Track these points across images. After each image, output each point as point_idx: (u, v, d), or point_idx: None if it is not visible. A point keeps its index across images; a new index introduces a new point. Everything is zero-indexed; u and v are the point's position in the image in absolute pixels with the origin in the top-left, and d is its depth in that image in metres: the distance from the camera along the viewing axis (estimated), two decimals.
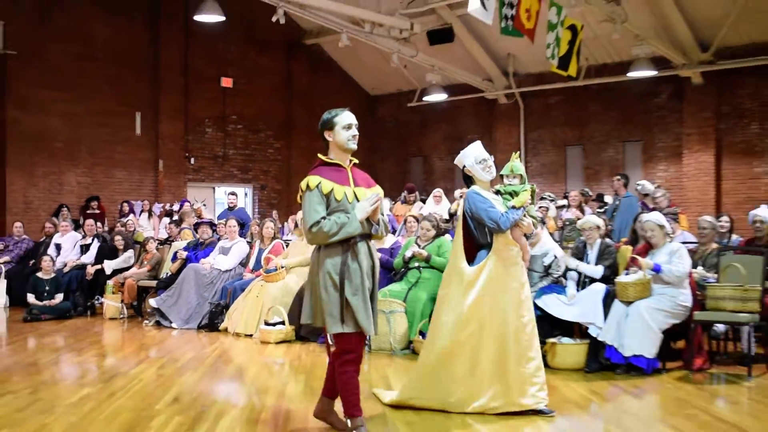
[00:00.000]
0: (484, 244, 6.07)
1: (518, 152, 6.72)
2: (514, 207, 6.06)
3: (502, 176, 6.43)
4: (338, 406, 5.44)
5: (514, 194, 6.20)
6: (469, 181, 6.31)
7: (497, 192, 6.30)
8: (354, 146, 5.34)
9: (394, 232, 10.78)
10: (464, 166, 6.26)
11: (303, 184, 5.23)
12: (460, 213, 6.29)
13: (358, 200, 5.23)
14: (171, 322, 11.13)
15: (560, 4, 13.02)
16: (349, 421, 5.24)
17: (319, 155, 5.42)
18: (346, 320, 5.08)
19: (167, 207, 17.04)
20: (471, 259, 6.07)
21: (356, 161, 5.51)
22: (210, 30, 18.47)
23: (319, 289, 5.14)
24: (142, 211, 16.89)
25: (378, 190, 5.41)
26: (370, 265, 5.26)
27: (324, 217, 5.11)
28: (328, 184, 5.18)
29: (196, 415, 5.96)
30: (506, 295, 5.97)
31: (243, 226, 13.55)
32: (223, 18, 14.99)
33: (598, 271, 8.36)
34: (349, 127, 5.30)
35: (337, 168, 5.33)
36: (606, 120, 19.12)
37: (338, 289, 5.08)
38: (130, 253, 13.31)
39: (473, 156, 6.23)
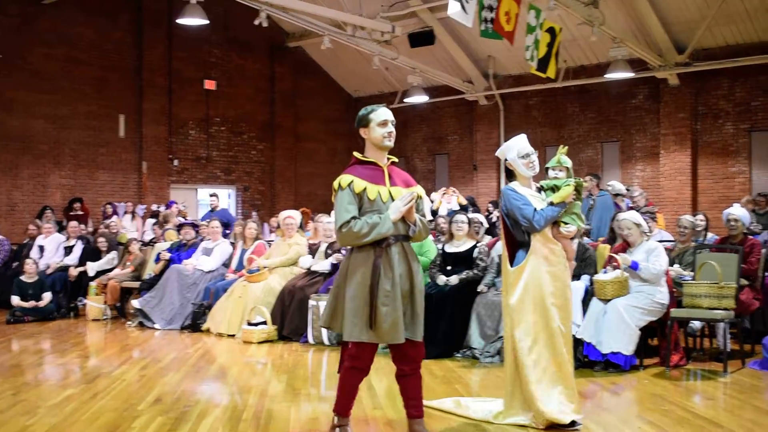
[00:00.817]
0: (523, 243, 5.73)
1: (566, 146, 6.23)
2: (552, 203, 5.72)
3: (547, 169, 6.07)
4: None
5: (555, 189, 5.85)
6: (510, 175, 5.96)
7: (540, 189, 5.94)
8: (390, 144, 5.07)
9: None
10: (506, 159, 5.89)
11: (335, 184, 5.01)
12: (497, 213, 6.11)
13: (394, 200, 4.98)
14: (154, 323, 11.17)
15: (539, 7, 13.15)
16: (335, 417, 5.16)
17: (354, 153, 5.20)
18: (368, 329, 4.85)
19: (154, 208, 17.07)
20: (512, 259, 5.75)
21: (395, 159, 5.25)
22: (193, 33, 18.54)
23: (343, 292, 4.94)
24: (125, 213, 16.88)
25: (418, 189, 5.17)
26: (406, 269, 5.00)
27: (355, 217, 4.88)
28: (360, 183, 4.95)
29: (178, 415, 6.01)
30: (551, 297, 5.64)
31: (227, 227, 13.61)
32: (206, 21, 15.04)
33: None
34: (384, 123, 5.05)
35: (372, 167, 5.10)
36: (584, 121, 19.29)
37: (367, 296, 4.84)
38: (113, 254, 13.32)
39: (516, 149, 5.82)
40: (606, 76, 16.96)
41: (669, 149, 17.73)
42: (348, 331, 4.89)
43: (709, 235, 10.66)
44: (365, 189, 4.94)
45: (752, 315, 8.72)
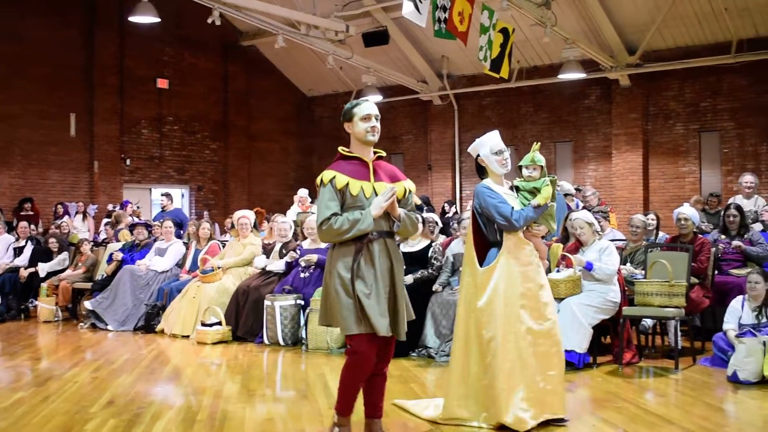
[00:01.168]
0: (495, 242, 5.63)
1: (539, 142, 6.08)
2: (538, 206, 5.63)
3: (520, 167, 5.93)
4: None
5: (535, 191, 5.74)
6: (482, 172, 5.83)
7: (513, 188, 5.84)
8: (373, 138, 4.98)
9: None
10: (478, 155, 5.77)
11: (318, 180, 4.94)
12: (469, 209, 6.03)
13: (378, 196, 4.90)
14: (107, 325, 11.03)
15: (492, 8, 13.22)
16: (336, 416, 5.06)
17: (339, 148, 5.11)
18: (358, 322, 4.76)
19: (110, 208, 16.88)
20: (482, 259, 5.64)
21: (382, 154, 5.16)
22: (145, 31, 18.30)
23: (330, 290, 4.87)
24: (76, 213, 16.69)
25: (407, 183, 5.11)
26: (388, 265, 4.92)
27: (336, 214, 4.80)
28: (342, 178, 4.87)
29: (131, 417, 5.95)
30: (521, 298, 5.54)
31: (180, 227, 13.50)
32: (158, 19, 14.90)
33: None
34: (368, 118, 4.97)
35: (356, 162, 5.01)
36: (537, 121, 19.46)
37: (350, 289, 4.78)
38: (64, 255, 13.15)
39: (489, 145, 5.69)
40: (559, 76, 17.13)
41: (621, 149, 17.97)
42: (342, 325, 4.82)
43: (660, 234, 10.81)
44: (347, 184, 4.86)
45: (702, 313, 8.85)
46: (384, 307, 4.83)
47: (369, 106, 5.03)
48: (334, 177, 4.87)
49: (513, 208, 5.56)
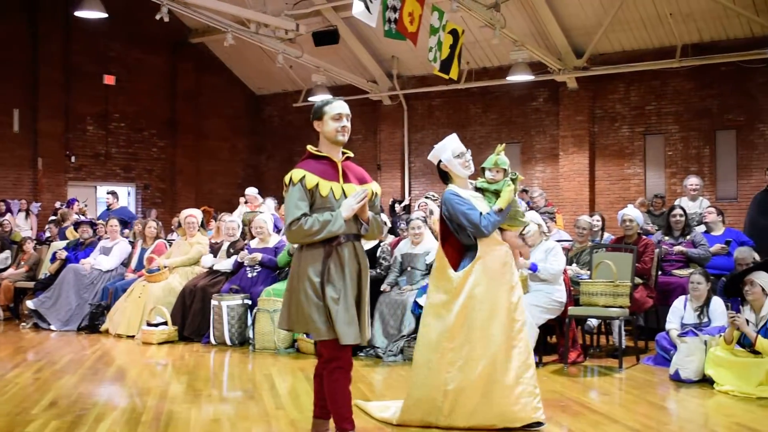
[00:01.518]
0: (469, 247, 5.53)
1: (503, 143, 5.93)
2: (500, 209, 5.54)
3: (483, 169, 5.82)
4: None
5: (497, 193, 5.66)
6: (445, 178, 5.75)
7: (477, 189, 5.77)
8: (343, 139, 4.87)
9: (278, 232, 10.81)
10: (440, 161, 5.68)
11: (286, 178, 4.76)
12: (436, 215, 5.86)
13: (347, 197, 4.78)
14: (49, 324, 10.86)
15: (442, 9, 13.27)
16: None
17: (308, 147, 4.94)
18: (329, 327, 4.65)
19: (57, 206, 16.60)
20: (455, 264, 5.53)
21: (350, 154, 5.04)
22: (92, 26, 18.01)
23: (299, 294, 4.70)
24: (19, 211, 16.41)
25: (373, 186, 5.00)
26: (356, 269, 4.81)
27: (305, 214, 4.65)
28: (312, 178, 4.72)
29: (74, 418, 5.87)
30: (496, 301, 5.45)
31: (127, 225, 13.36)
32: (104, 15, 14.69)
33: None
34: (338, 117, 4.86)
35: (325, 162, 4.86)
36: (486, 122, 19.58)
37: (319, 294, 4.66)
38: (6, 253, 12.96)
39: (450, 149, 5.62)
40: (507, 78, 17.24)
41: (568, 151, 18.17)
42: (315, 331, 4.69)
43: (606, 235, 10.95)
44: (317, 185, 4.72)
45: (646, 313, 8.99)
46: (353, 314, 4.71)
47: (340, 105, 4.92)
48: (304, 176, 4.72)
49: (481, 213, 5.47)
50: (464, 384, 5.39)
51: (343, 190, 4.81)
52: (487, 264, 5.47)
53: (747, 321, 6.94)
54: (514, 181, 5.75)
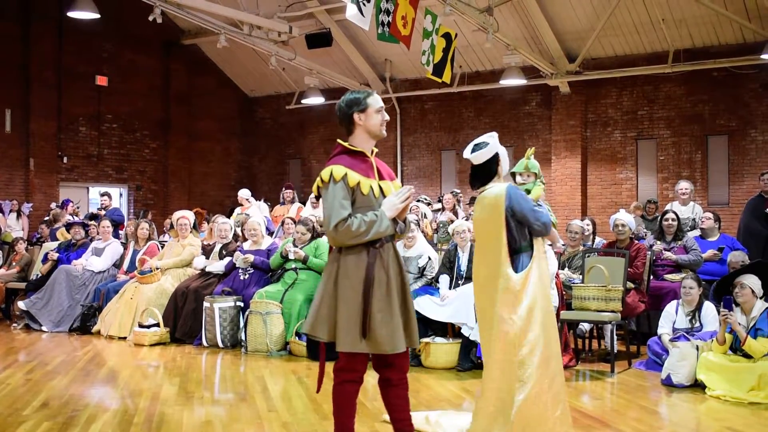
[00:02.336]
0: (523, 247, 5.11)
1: (533, 147, 5.70)
2: (539, 206, 5.30)
3: (513, 174, 5.61)
4: None
5: (527, 193, 5.43)
6: (484, 175, 5.34)
7: None
8: (385, 134, 4.60)
9: (271, 234, 10.82)
10: (496, 154, 5.28)
11: (325, 175, 4.41)
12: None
13: (384, 195, 4.48)
14: (41, 326, 10.84)
15: (435, 13, 13.29)
16: None
17: (340, 141, 4.61)
18: (359, 339, 4.30)
19: (52, 207, 16.56)
20: (513, 264, 5.08)
21: (377, 150, 4.71)
22: (85, 27, 17.99)
23: (336, 300, 4.36)
24: (10, 211, 16.36)
25: (398, 184, 4.69)
26: (398, 271, 4.50)
27: (351, 215, 4.34)
28: (354, 176, 4.39)
29: (65, 420, 5.87)
30: (548, 305, 5.10)
31: (118, 227, 13.33)
32: (97, 15, 14.65)
33: None
34: (381, 110, 4.55)
35: (359, 158, 4.52)
36: (479, 126, 19.58)
37: (361, 302, 4.31)
38: None
39: (498, 147, 5.21)
40: (500, 82, 17.29)
41: (560, 155, 18.21)
42: (341, 340, 4.32)
43: (597, 239, 10.98)
44: (359, 183, 4.40)
45: (638, 317, 9.00)
46: (398, 320, 4.39)
47: (379, 97, 4.64)
48: (347, 174, 4.38)
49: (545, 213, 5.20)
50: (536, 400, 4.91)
51: (380, 187, 4.51)
52: (542, 267, 5.12)
53: (738, 323, 6.98)
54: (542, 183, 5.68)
